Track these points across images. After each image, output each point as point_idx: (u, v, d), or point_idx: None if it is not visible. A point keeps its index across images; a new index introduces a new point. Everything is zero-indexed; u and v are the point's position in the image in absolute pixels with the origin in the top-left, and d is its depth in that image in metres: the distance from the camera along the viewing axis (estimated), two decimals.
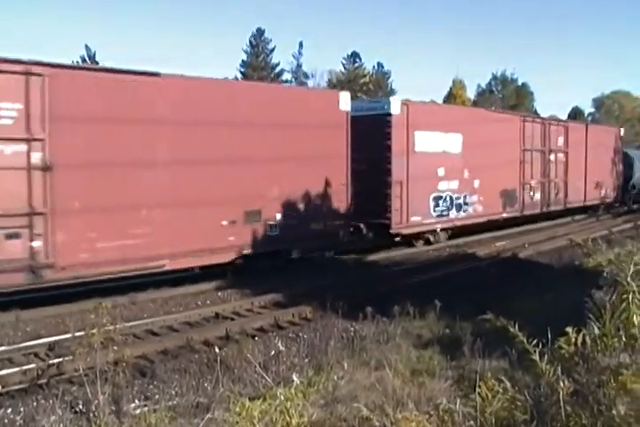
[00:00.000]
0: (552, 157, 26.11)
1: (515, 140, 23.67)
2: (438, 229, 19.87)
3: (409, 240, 19.38)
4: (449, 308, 9.78)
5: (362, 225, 17.73)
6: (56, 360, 8.42)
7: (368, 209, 17.21)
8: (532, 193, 24.85)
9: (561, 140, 26.58)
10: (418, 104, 19.58)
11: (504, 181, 22.93)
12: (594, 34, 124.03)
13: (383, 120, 17.66)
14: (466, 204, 20.88)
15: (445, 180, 19.90)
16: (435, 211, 19.57)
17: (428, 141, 18.92)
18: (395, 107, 17.81)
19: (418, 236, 19.46)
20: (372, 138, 17.32)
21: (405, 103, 18.32)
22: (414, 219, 18.67)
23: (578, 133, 27.79)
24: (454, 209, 20.39)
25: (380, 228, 18.06)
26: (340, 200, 15.84)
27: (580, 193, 28.42)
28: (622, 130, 33.10)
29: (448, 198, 20.07)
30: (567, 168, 26.96)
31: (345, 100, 15.61)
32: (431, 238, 19.80)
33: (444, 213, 19.97)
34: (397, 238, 18.99)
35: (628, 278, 3.88)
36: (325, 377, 7.00)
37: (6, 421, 6.53)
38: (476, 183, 21.16)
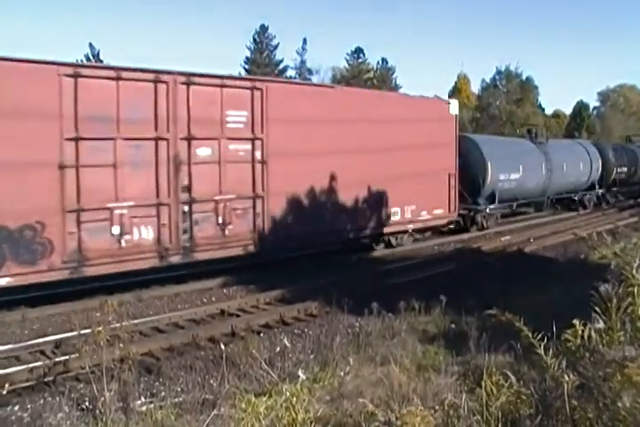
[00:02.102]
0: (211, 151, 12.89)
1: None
2: None
3: None
4: (454, 303, 9.78)
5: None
6: (62, 358, 8.45)
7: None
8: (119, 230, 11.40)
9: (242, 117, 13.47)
10: None
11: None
12: (599, 27, 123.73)
13: None
14: None
15: None
16: None
17: None
18: None
19: None
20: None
21: None
22: None
23: (307, 102, 14.66)
24: None
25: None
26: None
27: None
28: (454, 104, 19.98)
29: None
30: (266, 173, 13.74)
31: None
32: None
33: None
34: None
35: (634, 271, 3.87)
36: (331, 373, 7.01)
37: (14, 418, 6.56)
38: None
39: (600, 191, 30.86)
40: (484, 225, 22.31)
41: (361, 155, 15.67)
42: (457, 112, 19.98)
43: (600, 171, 30.32)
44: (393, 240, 17.85)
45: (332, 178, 15.22)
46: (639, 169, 34.25)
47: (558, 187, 26.95)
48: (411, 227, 17.80)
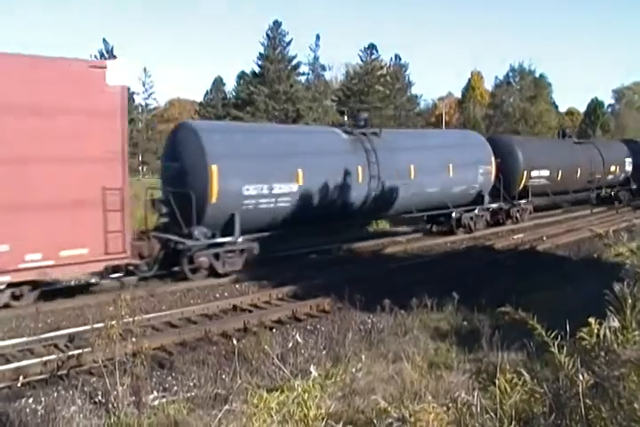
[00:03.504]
0: None
1: None
2: None
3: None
4: (467, 300, 9.76)
5: None
6: (76, 352, 8.48)
7: None
8: None
9: None
10: None
11: None
12: (614, 24, 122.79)
13: None
14: None
15: None
16: None
17: None
18: None
19: None
20: None
21: None
22: None
23: None
24: None
25: None
26: None
27: None
28: (118, 66, 11.42)
29: None
30: None
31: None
32: None
33: None
34: None
35: None
36: (343, 369, 7.00)
37: (28, 410, 6.60)
38: None
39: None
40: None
41: None
42: (126, 82, 11.77)
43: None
44: None
45: None
46: None
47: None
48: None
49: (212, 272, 13.76)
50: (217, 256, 13.75)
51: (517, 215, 23.66)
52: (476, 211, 21.09)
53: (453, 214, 20.26)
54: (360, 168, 16.54)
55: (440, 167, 19.14)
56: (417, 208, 18.97)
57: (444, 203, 19.61)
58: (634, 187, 32.55)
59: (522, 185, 23.84)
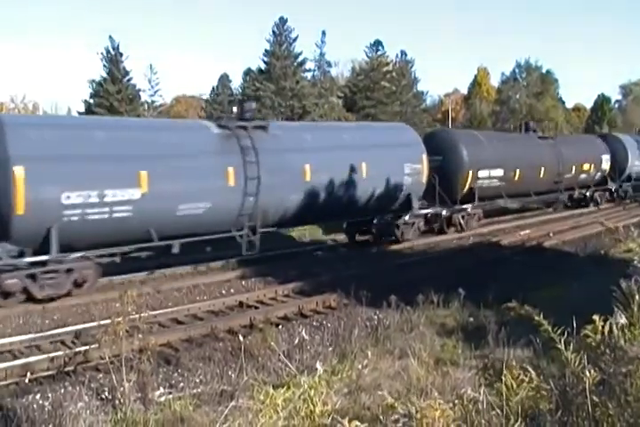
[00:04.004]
0: None
1: None
2: None
3: None
4: (473, 296, 9.74)
5: None
6: (82, 348, 8.52)
7: None
8: None
9: None
10: None
11: None
12: (621, 19, 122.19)
13: None
14: None
15: None
16: None
17: None
18: None
19: None
20: None
21: None
22: None
23: None
24: None
25: None
26: None
27: None
28: None
29: None
30: None
31: None
32: None
33: None
34: None
35: None
36: (349, 366, 7.01)
37: (35, 406, 6.63)
38: None
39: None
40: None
41: None
42: None
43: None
44: None
45: None
46: None
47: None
48: None
49: (30, 297, 11.33)
50: (33, 278, 11.30)
51: (461, 222, 20.30)
52: (406, 217, 17.95)
53: (375, 221, 17.86)
54: (231, 169, 13.67)
55: (348, 167, 16.09)
56: (317, 215, 16.15)
57: (359, 208, 16.76)
58: (612, 187, 29.45)
59: (467, 187, 20.55)
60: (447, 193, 19.74)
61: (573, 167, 26.46)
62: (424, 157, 18.27)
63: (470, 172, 20.45)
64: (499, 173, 21.82)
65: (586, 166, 27.40)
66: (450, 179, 19.88)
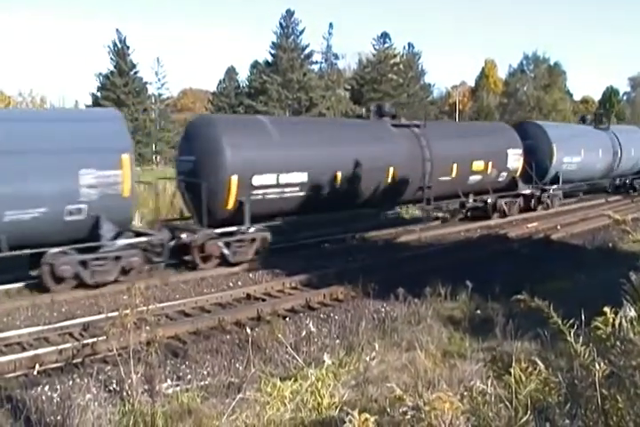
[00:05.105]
0: None
1: None
2: None
3: None
4: (480, 289, 9.73)
5: None
6: (90, 340, 8.55)
7: None
8: None
9: None
10: None
11: None
12: (630, 11, 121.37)
13: None
14: None
15: None
16: None
17: None
18: None
19: None
20: None
21: None
22: None
23: None
24: None
25: None
26: None
27: None
28: None
29: None
30: None
31: None
32: None
33: None
34: None
35: None
36: (356, 358, 7.01)
37: (44, 398, 6.66)
38: None
39: None
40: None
41: None
42: None
43: None
44: None
45: None
46: None
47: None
48: None
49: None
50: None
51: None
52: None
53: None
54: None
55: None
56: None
57: None
58: (525, 191, 22.46)
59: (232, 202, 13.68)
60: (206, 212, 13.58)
61: (455, 167, 19.11)
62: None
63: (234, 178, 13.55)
64: (296, 179, 14.72)
65: (478, 165, 20.03)
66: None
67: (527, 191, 22.49)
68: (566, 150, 24.23)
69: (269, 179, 14.17)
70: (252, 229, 14.14)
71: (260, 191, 14.10)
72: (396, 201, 18.89)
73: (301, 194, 14.87)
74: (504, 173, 21.36)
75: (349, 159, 15.85)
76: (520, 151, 21.88)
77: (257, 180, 13.96)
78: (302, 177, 14.72)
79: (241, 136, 14.11)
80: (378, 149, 16.90)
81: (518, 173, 22.13)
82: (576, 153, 24.92)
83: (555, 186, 23.86)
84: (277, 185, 14.36)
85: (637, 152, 30.49)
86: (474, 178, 20.05)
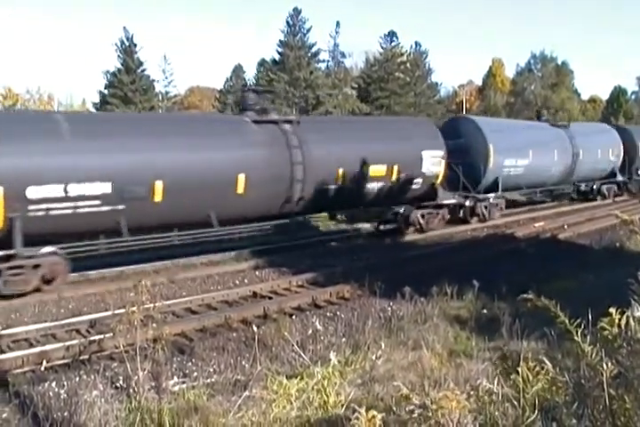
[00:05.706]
0: None
1: None
2: None
3: None
4: (487, 288, 9.72)
5: None
6: (97, 337, 8.57)
7: None
8: None
9: None
10: None
11: None
12: (637, 9, 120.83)
13: None
14: None
15: None
16: None
17: None
18: None
19: None
20: None
21: None
22: None
23: None
24: None
25: None
26: None
27: None
28: None
29: None
30: None
31: None
32: None
33: None
34: None
35: None
36: (363, 357, 7.01)
37: (51, 394, 6.69)
38: None
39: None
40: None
41: None
42: None
43: None
44: None
45: None
46: None
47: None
48: None
49: None
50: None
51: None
52: None
53: None
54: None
55: None
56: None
57: None
58: (448, 201, 18.46)
59: None
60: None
61: (340, 172, 15.33)
62: None
63: None
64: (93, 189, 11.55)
65: (377, 170, 16.17)
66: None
67: (451, 201, 18.60)
68: (508, 151, 20.50)
69: (54, 190, 11.07)
70: (41, 252, 11.15)
71: (42, 206, 11.02)
72: (248, 219, 14.26)
73: (104, 209, 11.64)
74: (418, 180, 17.23)
75: (178, 164, 12.54)
76: (441, 153, 17.79)
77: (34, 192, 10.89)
78: (103, 188, 11.56)
79: (15, 137, 10.96)
80: (223, 152, 13.48)
81: (439, 180, 17.95)
82: (522, 155, 21.30)
83: (492, 194, 20.25)
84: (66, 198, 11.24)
85: (604, 154, 26.55)
86: (372, 186, 16.21)
